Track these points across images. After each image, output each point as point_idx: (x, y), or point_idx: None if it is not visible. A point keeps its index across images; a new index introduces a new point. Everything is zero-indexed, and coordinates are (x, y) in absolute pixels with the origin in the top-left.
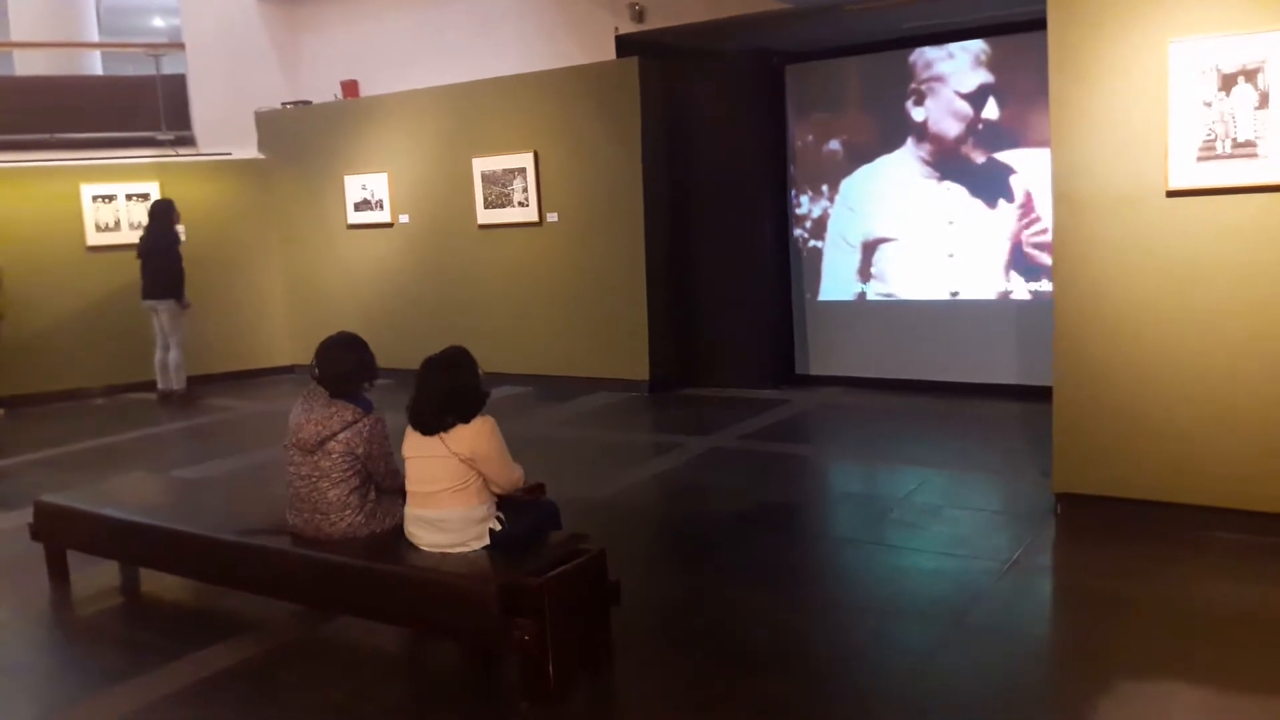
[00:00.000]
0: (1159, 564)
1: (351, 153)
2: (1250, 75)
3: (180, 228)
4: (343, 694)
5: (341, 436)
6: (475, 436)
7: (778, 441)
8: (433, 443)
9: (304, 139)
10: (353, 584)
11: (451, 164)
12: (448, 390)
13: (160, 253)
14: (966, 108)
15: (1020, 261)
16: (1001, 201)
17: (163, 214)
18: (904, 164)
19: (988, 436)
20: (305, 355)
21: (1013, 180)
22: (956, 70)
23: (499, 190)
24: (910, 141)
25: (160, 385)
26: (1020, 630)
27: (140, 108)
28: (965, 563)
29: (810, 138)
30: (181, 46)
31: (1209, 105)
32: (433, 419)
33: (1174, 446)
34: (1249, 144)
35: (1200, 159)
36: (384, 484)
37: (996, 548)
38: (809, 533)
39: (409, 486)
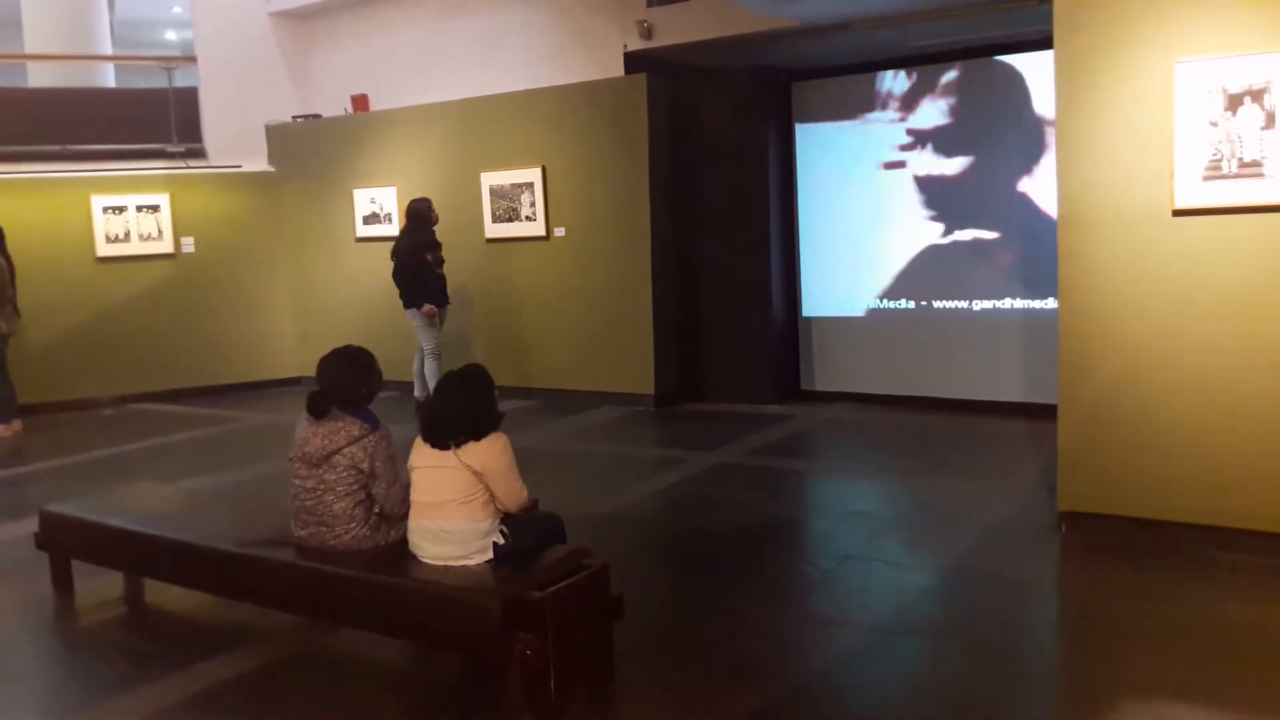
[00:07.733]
0: (1164, 583)
1: (361, 166)
2: (1256, 95)
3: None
4: (345, 706)
5: (347, 451)
6: (487, 452)
7: (782, 457)
8: (443, 454)
9: (314, 152)
10: (356, 596)
11: (460, 178)
12: (463, 408)
13: (402, 256)
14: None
15: (1027, 277)
16: (1007, 214)
17: (412, 215)
18: (908, 180)
19: (993, 454)
20: (312, 367)
21: (1018, 192)
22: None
23: (507, 204)
24: (913, 157)
25: (416, 392)
26: (1022, 649)
27: (152, 120)
28: (967, 580)
29: (816, 153)
30: (193, 60)
31: (1215, 125)
32: (445, 434)
33: (1180, 465)
34: (1255, 164)
35: (1206, 179)
36: (386, 506)
37: (1000, 566)
38: (811, 548)
39: (414, 497)
